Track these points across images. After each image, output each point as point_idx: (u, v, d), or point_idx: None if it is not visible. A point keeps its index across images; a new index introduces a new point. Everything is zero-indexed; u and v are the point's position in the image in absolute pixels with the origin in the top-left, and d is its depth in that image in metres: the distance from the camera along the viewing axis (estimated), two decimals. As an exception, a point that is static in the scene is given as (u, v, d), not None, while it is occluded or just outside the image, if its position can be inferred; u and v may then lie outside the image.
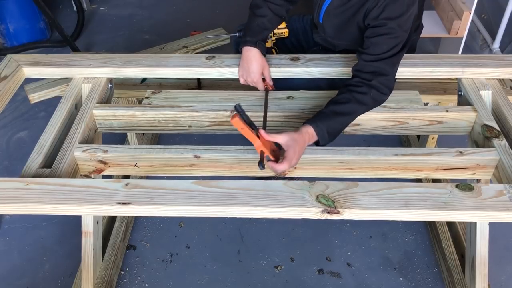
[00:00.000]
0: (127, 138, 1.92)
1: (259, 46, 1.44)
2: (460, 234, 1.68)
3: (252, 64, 1.43)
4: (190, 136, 2.23)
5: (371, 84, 1.28)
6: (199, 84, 1.77)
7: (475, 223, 1.37)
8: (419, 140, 2.06)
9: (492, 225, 1.36)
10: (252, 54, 1.43)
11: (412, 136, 2.14)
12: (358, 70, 1.32)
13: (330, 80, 1.53)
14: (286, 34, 1.67)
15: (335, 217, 1.05)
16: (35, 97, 1.61)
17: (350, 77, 1.34)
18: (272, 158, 1.16)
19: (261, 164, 1.12)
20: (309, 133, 1.21)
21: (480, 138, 1.31)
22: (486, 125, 1.30)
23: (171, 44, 2.21)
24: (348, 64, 1.47)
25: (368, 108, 1.31)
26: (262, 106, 1.40)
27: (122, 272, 1.72)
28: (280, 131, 1.38)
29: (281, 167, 1.14)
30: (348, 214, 1.05)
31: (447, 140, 2.02)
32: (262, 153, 1.14)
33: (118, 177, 1.67)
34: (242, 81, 1.49)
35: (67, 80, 1.60)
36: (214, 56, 1.52)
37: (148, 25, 3.31)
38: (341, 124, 1.28)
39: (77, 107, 1.43)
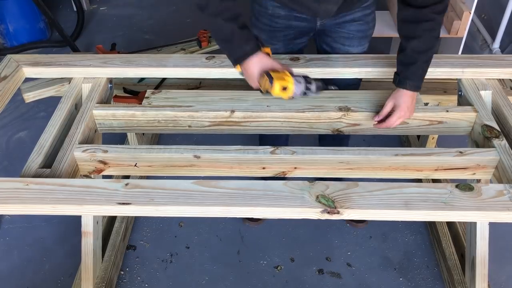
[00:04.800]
0: (127, 138, 1.92)
1: (252, 51, 1.21)
2: (460, 234, 1.68)
3: (252, 71, 1.25)
4: (190, 136, 2.23)
5: (444, 8, 1.22)
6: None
7: (475, 223, 1.37)
8: (419, 140, 2.06)
9: (492, 225, 1.36)
10: (250, 67, 1.23)
11: (412, 136, 2.14)
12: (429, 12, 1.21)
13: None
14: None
15: (335, 217, 1.05)
16: (29, 96, 1.61)
17: (416, 21, 1.23)
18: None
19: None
20: (407, 93, 1.27)
21: (480, 138, 1.31)
22: (486, 125, 1.30)
23: (170, 48, 2.21)
24: (348, 64, 1.47)
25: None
26: (262, 106, 1.39)
27: (122, 272, 1.72)
28: (280, 131, 1.39)
29: (393, 118, 1.25)
30: (348, 214, 1.05)
31: (447, 140, 2.02)
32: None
33: (118, 177, 1.67)
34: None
35: (62, 80, 1.60)
36: (214, 56, 1.52)
37: (148, 25, 3.32)
38: (429, 62, 1.29)
39: (77, 107, 1.43)
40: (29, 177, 1.17)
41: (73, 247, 1.77)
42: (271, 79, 1.18)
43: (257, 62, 1.22)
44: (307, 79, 1.26)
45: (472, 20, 2.39)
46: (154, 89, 1.62)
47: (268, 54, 1.27)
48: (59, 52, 2.96)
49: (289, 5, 1.40)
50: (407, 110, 1.28)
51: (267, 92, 1.21)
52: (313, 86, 1.26)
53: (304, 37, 1.55)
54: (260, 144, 1.59)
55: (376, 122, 1.32)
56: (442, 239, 1.71)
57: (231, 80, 1.66)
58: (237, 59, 1.23)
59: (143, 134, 1.98)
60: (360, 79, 1.64)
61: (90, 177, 1.30)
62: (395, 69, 1.47)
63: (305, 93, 1.25)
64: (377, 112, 1.33)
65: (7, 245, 1.83)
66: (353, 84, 1.62)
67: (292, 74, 1.24)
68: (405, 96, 1.28)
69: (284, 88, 1.19)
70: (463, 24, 2.31)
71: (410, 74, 1.27)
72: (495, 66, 1.47)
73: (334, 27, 1.50)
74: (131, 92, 1.74)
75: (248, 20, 1.23)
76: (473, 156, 1.21)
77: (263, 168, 1.25)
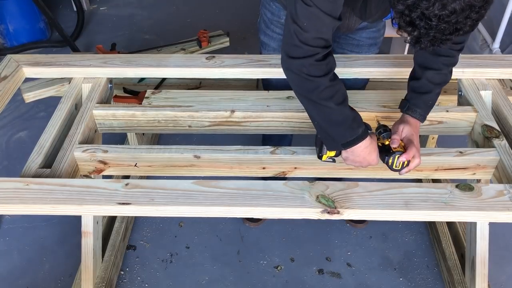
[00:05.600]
0: (127, 138, 1.92)
1: (364, 133, 1.12)
2: (460, 234, 1.68)
3: (371, 156, 1.15)
4: (190, 136, 2.23)
5: (462, 47, 1.19)
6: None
7: (475, 223, 1.37)
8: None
9: (492, 225, 1.36)
10: (364, 148, 1.13)
11: (412, 136, 2.13)
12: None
13: None
14: None
15: (335, 217, 1.05)
16: (29, 96, 1.61)
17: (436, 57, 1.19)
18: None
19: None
20: (414, 122, 1.22)
21: (480, 138, 1.31)
22: (486, 125, 1.30)
23: (170, 48, 2.20)
24: (348, 64, 1.47)
25: None
26: (262, 106, 1.39)
27: (122, 272, 1.72)
28: (280, 131, 1.39)
29: (417, 160, 1.15)
30: (348, 214, 1.05)
31: (447, 140, 2.02)
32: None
33: (118, 177, 1.67)
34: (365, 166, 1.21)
35: (62, 80, 1.60)
36: (214, 56, 1.52)
37: (148, 25, 3.32)
38: (438, 96, 1.26)
39: (77, 107, 1.43)
40: (29, 177, 1.17)
41: (73, 247, 1.77)
42: (399, 153, 1.15)
43: (375, 144, 1.15)
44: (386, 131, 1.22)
45: (472, 20, 2.39)
46: (154, 89, 1.62)
47: None
48: (59, 52, 2.95)
49: None
50: (417, 143, 1.18)
51: (398, 170, 1.17)
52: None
53: None
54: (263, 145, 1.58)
55: (399, 167, 1.19)
56: (442, 239, 1.71)
57: (231, 80, 1.66)
58: (346, 144, 1.11)
59: (143, 134, 1.98)
60: (367, 79, 1.61)
61: (90, 177, 1.30)
62: (395, 69, 1.48)
63: None
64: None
65: (7, 245, 1.83)
66: (362, 85, 1.61)
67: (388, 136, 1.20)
68: (413, 126, 1.21)
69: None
70: (463, 24, 2.30)
71: (421, 103, 1.22)
72: (495, 66, 1.47)
73: (345, 34, 1.46)
74: (131, 92, 1.74)
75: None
76: (473, 156, 1.21)
77: (263, 168, 1.25)
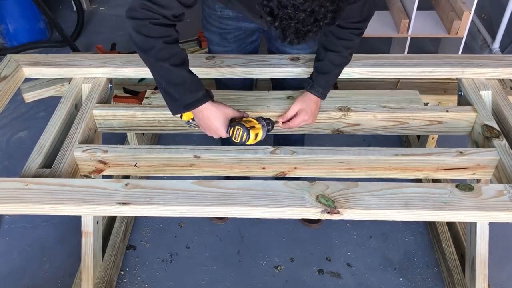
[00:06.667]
0: (127, 138, 1.92)
1: (205, 98, 1.17)
2: (460, 234, 1.68)
3: (214, 124, 1.21)
4: (190, 136, 2.23)
5: (362, 32, 1.28)
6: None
7: (475, 223, 1.37)
8: (419, 140, 2.06)
9: (492, 225, 1.36)
10: (205, 114, 1.19)
11: (412, 136, 2.14)
12: (349, 22, 1.24)
13: None
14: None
15: (335, 217, 1.05)
16: (29, 96, 1.60)
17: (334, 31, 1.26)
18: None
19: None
20: (315, 99, 1.32)
21: (480, 138, 1.31)
22: (486, 125, 1.30)
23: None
24: (348, 64, 1.47)
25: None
26: (262, 106, 1.39)
27: (122, 272, 1.72)
28: (280, 131, 1.39)
29: (297, 120, 1.28)
30: (348, 214, 1.05)
31: (447, 140, 2.02)
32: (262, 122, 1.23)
33: (118, 177, 1.67)
34: (216, 136, 1.27)
35: (62, 80, 1.60)
36: (214, 56, 1.52)
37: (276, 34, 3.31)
38: (338, 76, 1.36)
39: (77, 107, 1.43)
40: (29, 177, 1.17)
41: (73, 247, 1.77)
42: (247, 130, 1.18)
43: (218, 111, 1.19)
44: (264, 120, 1.26)
45: (472, 20, 2.39)
46: (154, 89, 1.62)
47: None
48: (59, 52, 2.95)
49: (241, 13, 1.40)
50: (311, 115, 1.31)
51: (241, 143, 1.19)
52: (270, 126, 1.27)
53: (255, 34, 1.53)
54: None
55: (281, 123, 1.34)
56: (442, 239, 1.71)
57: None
58: (188, 105, 1.17)
59: (143, 134, 1.98)
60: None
61: (90, 177, 1.30)
62: (395, 69, 1.48)
63: (266, 134, 1.26)
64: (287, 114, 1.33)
65: (7, 245, 1.83)
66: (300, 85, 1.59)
67: (253, 118, 1.24)
68: (311, 101, 1.31)
69: (256, 135, 1.21)
70: (463, 24, 2.31)
71: (323, 82, 1.32)
72: (495, 66, 1.47)
73: None
74: (131, 92, 1.74)
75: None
76: (473, 156, 1.21)
77: (263, 168, 1.25)
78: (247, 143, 1.19)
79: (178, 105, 1.19)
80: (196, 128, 1.28)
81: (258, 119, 1.24)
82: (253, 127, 1.20)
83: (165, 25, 1.11)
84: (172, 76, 1.14)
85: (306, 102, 1.31)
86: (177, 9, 1.12)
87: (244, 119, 1.24)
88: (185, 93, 1.16)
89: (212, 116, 1.19)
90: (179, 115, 1.24)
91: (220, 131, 1.21)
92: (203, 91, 1.17)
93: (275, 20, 0.93)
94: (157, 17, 1.09)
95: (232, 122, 1.22)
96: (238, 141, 1.19)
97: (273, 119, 1.31)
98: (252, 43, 1.55)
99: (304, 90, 1.35)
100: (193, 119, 1.25)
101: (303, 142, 1.84)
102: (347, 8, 1.06)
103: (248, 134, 1.18)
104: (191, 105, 1.17)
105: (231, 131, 1.20)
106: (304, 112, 1.30)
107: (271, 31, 1.54)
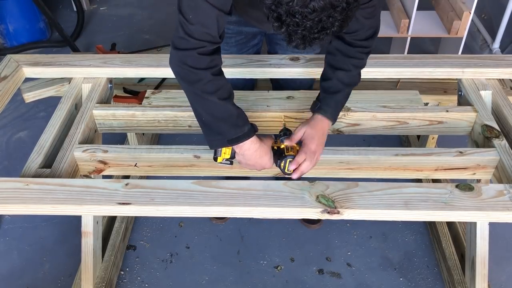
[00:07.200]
0: (127, 138, 1.92)
1: (250, 132, 1.12)
2: (460, 234, 1.68)
3: (263, 159, 1.16)
4: (190, 136, 2.23)
5: (370, 51, 1.23)
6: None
7: (475, 223, 1.37)
8: (419, 140, 2.06)
9: (492, 225, 1.36)
10: (253, 148, 1.13)
11: (412, 136, 2.14)
12: (357, 39, 1.20)
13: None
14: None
15: (335, 217, 1.05)
16: (29, 96, 1.60)
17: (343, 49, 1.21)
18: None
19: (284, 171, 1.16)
20: (324, 122, 1.21)
21: (480, 138, 1.31)
22: (486, 125, 1.30)
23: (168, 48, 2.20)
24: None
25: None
26: (262, 106, 1.39)
27: (122, 272, 1.72)
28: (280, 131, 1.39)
29: (305, 165, 1.14)
30: (348, 214, 1.05)
31: (447, 140, 2.02)
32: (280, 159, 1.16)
33: (118, 177, 1.67)
34: (260, 170, 1.21)
35: (62, 80, 1.60)
36: (214, 56, 1.52)
37: (148, 25, 3.31)
38: (347, 98, 1.27)
39: (77, 107, 1.43)
40: (29, 177, 1.17)
41: (73, 247, 1.77)
42: (292, 157, 1.15)
43: (265, 145, 1.15)
44: (286, 131, 1.24)
45: (472, 20, 2.40)
46: (154, 89, 1.62)
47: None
48: (59, 52, 2.95)
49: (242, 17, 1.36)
50: (317, 146, 1.17)
51: (286, 173, 1.17)
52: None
53: (257, 38, 1.52)
54: None
55: (292, 171, 1.17)
56: (442, 239, 1.71)
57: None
58: (233, 140, 1.10)
59: (143, 134, 1.98)
60: (313, 80, 1.60)
61: (90, 177, 1.30)
62: (395, 69, 1.48)
63: None
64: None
65: (7, 245, 1.83)
66: (306, 85, 1.58)
67: (287, 139, 1.20)
68: (319, 126, 1.20)
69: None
70: (463, 24, 2.31)
71: (333, 103, 1.23)
72: (495, 66, 1.47)
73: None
74: (131, 92, 1.74)
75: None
76: (473, 156, 1.21)
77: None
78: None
79: (220, 140, 1.11)
80: (228, 165, 1.22)
81: (290, 137, 1.19)
82: (297, 150, 1.17)
83: (212, 53, 1.06)
84: (218, 111, 1.08)
85: (314, 125, 1.20)
86: (214, 20, 1.02)
87: (287, 145, 1.18)
88: (231, 128, 1.09)
89: (261, 152, 1.14)
90: (213, 156, 1.19)
91: (268, 165, 1.17)
92: (249, 126, 1.12)
93: (282, 26, 0.90)
94: (204, 44, 1.03)
95: (276, 152, 1.18)
96: (290, 173, 1.15)
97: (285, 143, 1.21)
98: (253, 46, 1.54)
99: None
100: (228, 159, 1.18)
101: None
102: (355, 24, 1.03)
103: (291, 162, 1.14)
104: (236, 140, 1.10)
105: (282, 164, 1.15)
106: (311, 143, 1.17)
107: (272, 35, 1.53)
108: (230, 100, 1.10)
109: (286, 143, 1.18)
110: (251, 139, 1.11)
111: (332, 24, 0.88)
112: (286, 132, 1.23)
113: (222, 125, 1.09)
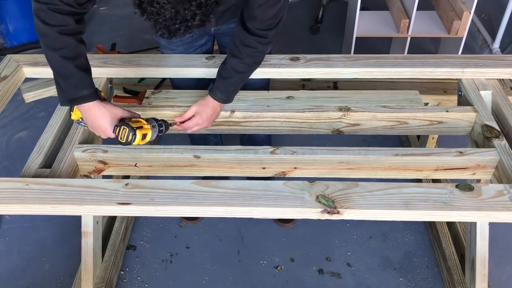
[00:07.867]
0: (127, 138, 1.91)
1: (91, 97, 1.15)
2: (460, 234, 1.68)
3: (101, 123, 1.19)
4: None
5: (269, 42, 1.26)
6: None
7: (475, 223, 1.37)
8: (419, 140, 2.06)
9: (492, 225, 1.36)
10: (92, 112, 1.17)
11: (412, 136, 2.14)
12: (256, 28, 1.22)
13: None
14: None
15: (335, 217, 1.05)
16: (29, 96, 1.60)
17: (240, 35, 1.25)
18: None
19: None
20: (214, 102, 1.31)
21: (480, 138, 1.31)
22: (486, 125, 1.30)
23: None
24: (348, 64, 1.47)
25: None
26: (262, 106, 1.39)
27: (122, 272, 1.72)
28: (280, 131, 1.39)
29: (190, 122, 1.27)
30: (348, 214, 1.05)
31: (447, 140, 2.02)
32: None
33: (118, 177, 1.67)
34: (104, 136, 1.24)
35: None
36: (214, 56, 1.52)
37: (148, 25, 3.31)
38: (243, 81, 1.35)
39: (77, 107, 1.43)
40: (29, 177, 1.17)
41: (73, 247, 1.77)
42: (133, 130, 1.16)
43: (105, 110, 1.17)
44: (156, 121, 1.24)
45: (472, 20, 2.39)
46: (154, 89, 1.62)
47: (104, 98, 1.24)
48: (59, 52, 2.95)
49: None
50: (206, 119, 1.31)
51: (126, 143, 1.17)
52: (163, 127, 1.25)
53: (204, 38, 1.53)
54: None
55: (178, 123, 1.33)
56: (442, 239, 1.71)
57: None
58: (72, 100, 1.15)
59: (143, 134, 1.97)
60: (268, 80, 1.61)
61: (90, 177, 1.30)
62: (395, 69, 1.48)
63: (158, 135, 1.25)
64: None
65: (7, 245, 1.83)
66: (262, 84, 1.59)
67: (143, 119, 1.23)
68: (209, 106, 1.31)
69: (144, 135, 1.19)
70: (463, 24, 2.31)
71: (223, 87, 1.31)
72: (495, 66, 1.47)
73: (231, 30, 1.39)
74: (131, 92, 1.73)
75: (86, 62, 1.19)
76: (473, 156, 1.21)
77: (263, 168, 1.25)
78: (134, 143, 1.17)
79: (63, 98, 1.18)
80: (86, 128, 1.27)
81: (149, 120, 1.22)
82: (140, 127, 1.18)
83: (64, 13, 1.10)
84: (60, 68, 1.14)
85: (202, 106, 1.31)
86: None
87: (133, 119, 1.22)
88: (71, 88, 1.14)
89: (98, 115, 1.17)
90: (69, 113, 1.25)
91: (107, 130, 1.19)
92: (90, 90, 1.15)
93: (143, 14, 0.95)
94: (56, 2, 1.07)
95: (120, 122, 1.20)
96: (123, 141, 1.17)
97: (170, 120, 1.31)
98: (201, 46, 1.55)
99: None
100: (82, 119, 1.22)
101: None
102: (256, 11, 1.07)
103: (134, 134, 1.15)
104: (74, 101, 1.15)
105: (117, 130, 1.17)
106: (199, 116, 1.30)
107: (219, 37, 1.55)
108: (74, 61, 1.13)
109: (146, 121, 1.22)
110: (92, 103, 1.15)
111: (192, 17, 0.94)
112: (159, 121, 1.25)
113: (63, 83, 1.15)
